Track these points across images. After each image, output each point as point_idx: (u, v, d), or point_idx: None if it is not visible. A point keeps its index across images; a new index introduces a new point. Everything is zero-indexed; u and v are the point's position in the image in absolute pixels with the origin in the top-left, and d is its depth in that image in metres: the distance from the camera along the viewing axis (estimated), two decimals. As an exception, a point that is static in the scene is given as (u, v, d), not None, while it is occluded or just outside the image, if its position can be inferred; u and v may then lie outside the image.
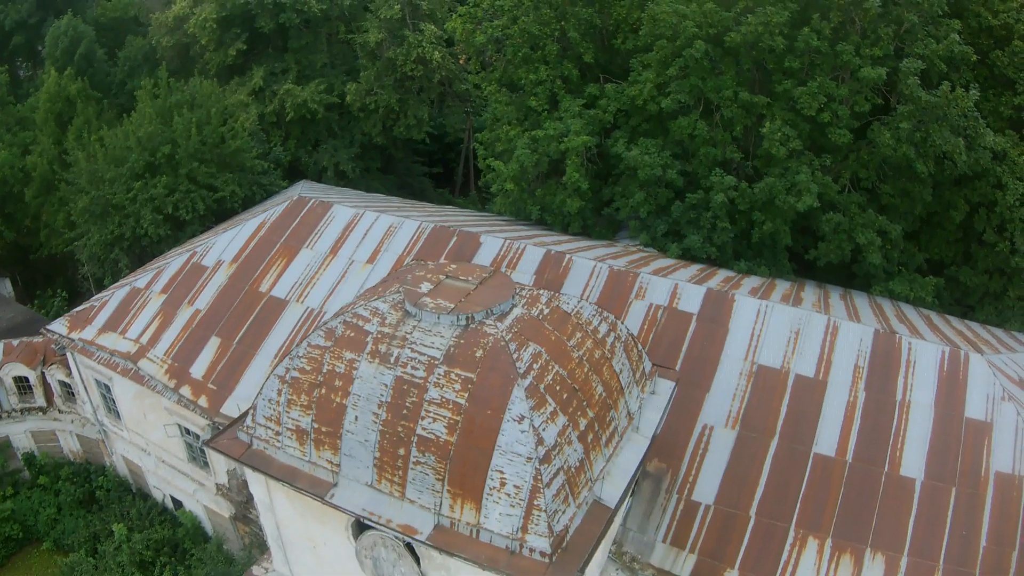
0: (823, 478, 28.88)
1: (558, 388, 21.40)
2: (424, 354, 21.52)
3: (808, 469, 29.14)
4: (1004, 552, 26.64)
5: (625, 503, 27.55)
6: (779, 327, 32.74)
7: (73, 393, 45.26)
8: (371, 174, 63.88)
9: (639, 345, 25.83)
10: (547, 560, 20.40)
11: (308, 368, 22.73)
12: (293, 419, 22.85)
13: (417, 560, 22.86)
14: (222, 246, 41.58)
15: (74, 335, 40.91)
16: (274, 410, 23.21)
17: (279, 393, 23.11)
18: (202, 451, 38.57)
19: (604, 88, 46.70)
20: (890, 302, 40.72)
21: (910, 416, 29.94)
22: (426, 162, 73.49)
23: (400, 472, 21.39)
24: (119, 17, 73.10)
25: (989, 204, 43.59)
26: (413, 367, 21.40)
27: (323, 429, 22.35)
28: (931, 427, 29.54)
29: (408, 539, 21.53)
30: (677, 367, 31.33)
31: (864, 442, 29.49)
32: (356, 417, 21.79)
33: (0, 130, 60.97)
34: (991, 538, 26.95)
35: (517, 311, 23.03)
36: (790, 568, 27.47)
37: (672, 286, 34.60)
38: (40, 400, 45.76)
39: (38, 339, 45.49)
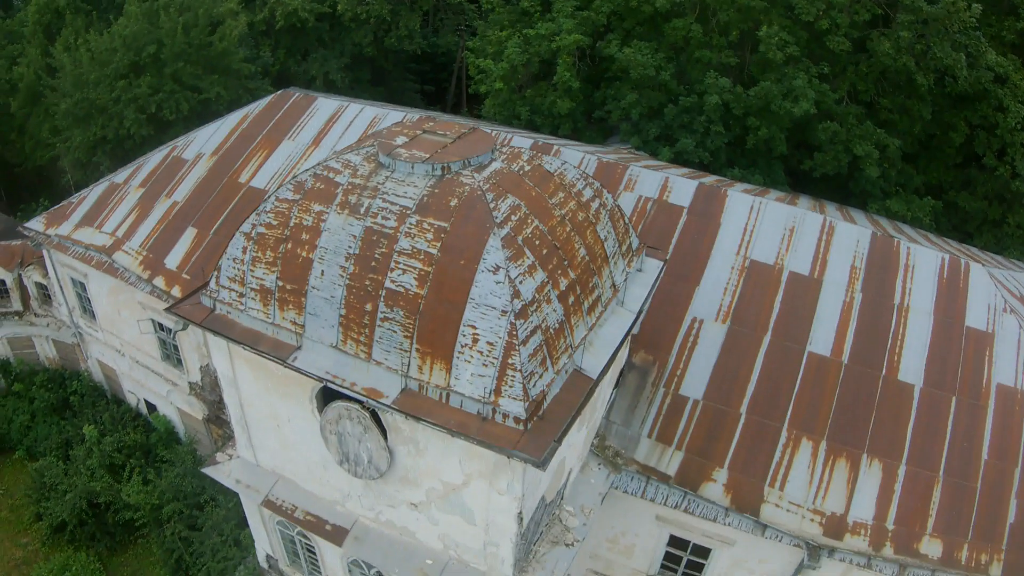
0: (817, 378, 27.87)
1: (537, 243, 19.99)
2: (396, 204, 20.11)
3: (802, 368, 28.13)
4: (1006, 468, 25.81)
5: (609, 384, 26.51)
6: (773, 223, 31.56)
7: (49, 296, 44.26)
8: (360, 85, 62.49)
9: (626, 218, 24.51)
10: (521, 427, 18.70)
11: (275, 223, 21.34)
12: (257, 278, 21.46)
13: (384, 434, 21.55)
14: (203, 139, 40.26)
15: (51, 231, 39.68)
16: (238, 270, 21.85)
17: (244, 251, 21.71)
18: (175, 348, 37.50)
19: (599, -11, 45.40)
20: (887, 219, 39.62)
21: (908, 321, 28.96)
22: (418, 80, 71.85)
23: (367, 330, 19.99)
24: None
25: (989, 127, 43.05)
26: (384, 217, 20.00)
27: (288, 287, 20.95)
28: (930, 333, 28.58)
29: (374, 403, 20.17)
30: (666, 260, 30.24)
31: (860, 344, 28.49)
32: (322, 272, 20.40)
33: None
34: (992, 452, 26.09)
35: (496, 165, 21.65)
36: (782, 470, 26.51)
37: (663, 179, 33.30)
38: (16, 304, 44.89)
39: (16, 242, 44.38)
